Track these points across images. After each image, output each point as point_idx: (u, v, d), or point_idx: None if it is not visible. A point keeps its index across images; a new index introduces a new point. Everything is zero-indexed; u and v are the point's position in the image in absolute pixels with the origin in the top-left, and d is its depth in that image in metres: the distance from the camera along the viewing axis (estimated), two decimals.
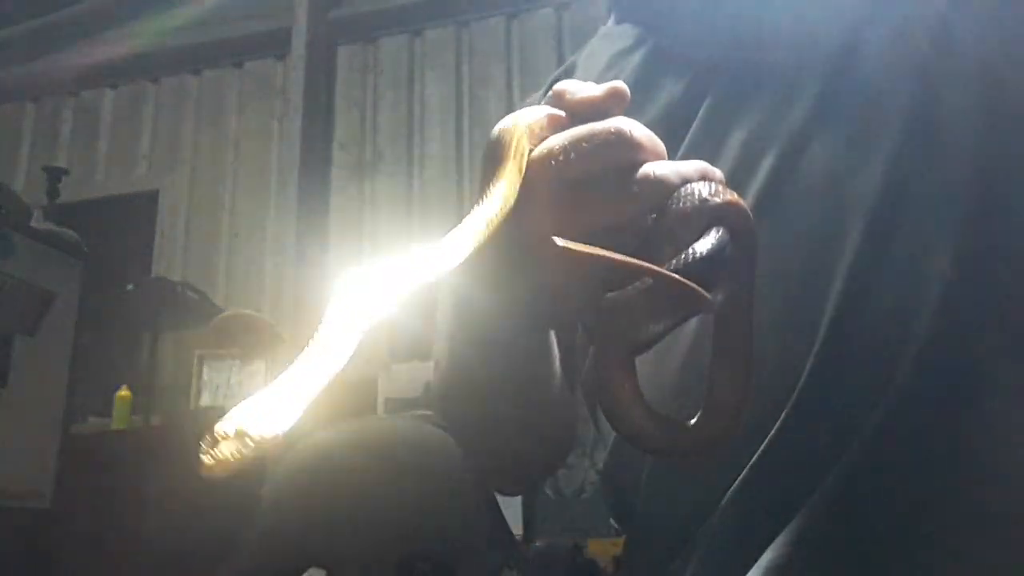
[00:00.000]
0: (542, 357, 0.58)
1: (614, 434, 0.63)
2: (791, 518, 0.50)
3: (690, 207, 0.40)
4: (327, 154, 3.65)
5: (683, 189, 0.41)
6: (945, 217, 0.52)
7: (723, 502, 0.53)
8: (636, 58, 0.66)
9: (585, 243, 0.38)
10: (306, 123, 3.49)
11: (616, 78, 0.67)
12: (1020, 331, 0.51)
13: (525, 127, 0.43)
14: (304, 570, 1.26)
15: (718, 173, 0.44)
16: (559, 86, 0.46)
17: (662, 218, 0.41)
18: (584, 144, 0.42)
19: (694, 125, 0.60)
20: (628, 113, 0.64)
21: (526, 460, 0.69)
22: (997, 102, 0.54)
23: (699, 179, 0.42)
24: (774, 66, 0.59)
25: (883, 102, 0.55)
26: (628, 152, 0.42)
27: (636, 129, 0.43)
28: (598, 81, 0.68)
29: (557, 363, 0.60)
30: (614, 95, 0.45)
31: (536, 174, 0.42)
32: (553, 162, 0.42)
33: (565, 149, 0.42)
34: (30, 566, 2.30)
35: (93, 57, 3.86)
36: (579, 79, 0.72)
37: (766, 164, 0.56)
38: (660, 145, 0.44)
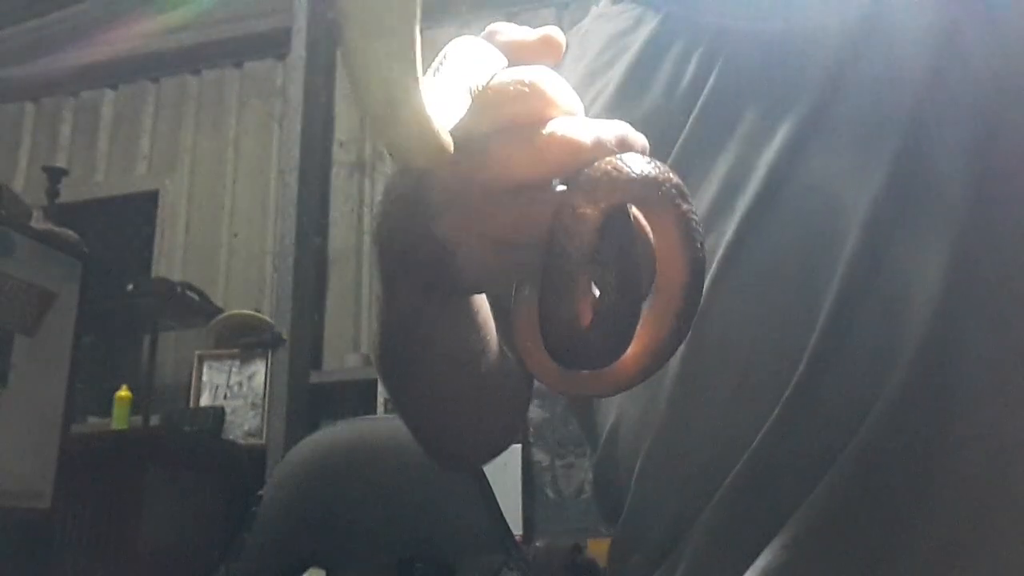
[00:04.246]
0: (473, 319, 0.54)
1: (604, 434, 0.63)
2: (784, 522, 0.50)
3: (599, 178, 0.35)
4: (327, 154, 3.64)
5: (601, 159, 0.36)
6: (948, 206, 0.51)
7: (712, 504, 0.53)
8: (639, 36, 0.65)
9: (494, 207, 0.36)
10: (306, 123, 3.49)
11: (616, 58, 0.65)
12: (1016, 339, 0.50)
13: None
14: (304, 570, 1.26)
15: (640, 141, 0.38)
16: (492, 26, 0.42)
17: (571, 187, 0.36)
18: (491, 94, 0.37)
19: (701, 99, 0.59)
20: (635, 90, 0.62)
21: (468, 429, 0.65)
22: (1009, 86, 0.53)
23: (617, 143, 0.37)
24: (789, 38, 0.58)
25: (899, 78, 0.54)
26: (539, 106, 0.37)
27: (553, 83, 0.38)
28: (594, 63, 0.66)
29: (491, 329, 0.56)
30: (547, 42, 0.41)
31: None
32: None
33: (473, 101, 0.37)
34: (29, 566, 2.29)
35: (93, 57, 3.86)
36: (571, 60, 0.70)
37: (770, 152, 0.55)
38: (578, 104, 0.39)
